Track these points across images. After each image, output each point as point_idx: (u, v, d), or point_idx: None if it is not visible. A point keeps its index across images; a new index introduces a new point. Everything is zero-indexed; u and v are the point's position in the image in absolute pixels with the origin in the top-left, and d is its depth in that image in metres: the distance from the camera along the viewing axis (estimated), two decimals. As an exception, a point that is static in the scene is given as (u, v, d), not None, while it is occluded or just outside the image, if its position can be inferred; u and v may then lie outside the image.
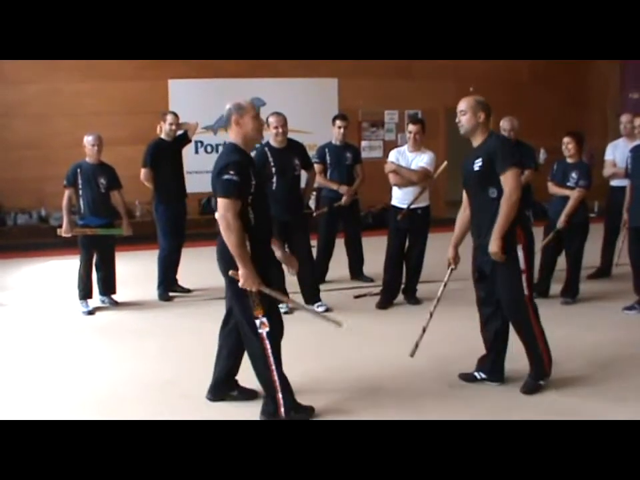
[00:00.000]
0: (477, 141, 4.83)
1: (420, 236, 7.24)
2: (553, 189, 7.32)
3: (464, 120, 4.77)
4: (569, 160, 7.18)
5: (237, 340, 4.67)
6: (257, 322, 4.34)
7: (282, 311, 6.79)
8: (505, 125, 7.69)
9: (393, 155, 7.22)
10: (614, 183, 8.18)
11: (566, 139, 7.18)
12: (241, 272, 4.23)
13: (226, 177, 4.22)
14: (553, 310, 6.95)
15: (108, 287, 7.50)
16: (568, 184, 7.12)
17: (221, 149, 12.85)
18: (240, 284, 4.25)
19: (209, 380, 4.99)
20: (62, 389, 5.15)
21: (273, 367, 4.38)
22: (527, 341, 4.86)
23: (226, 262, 4.35)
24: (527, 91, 13.81)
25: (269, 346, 4.37)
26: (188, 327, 6.73)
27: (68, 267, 8.69)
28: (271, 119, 6.94)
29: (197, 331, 6.51)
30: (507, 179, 4.60)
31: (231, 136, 4.49)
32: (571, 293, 7.22)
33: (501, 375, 5.04)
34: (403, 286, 7.39)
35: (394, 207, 7.24)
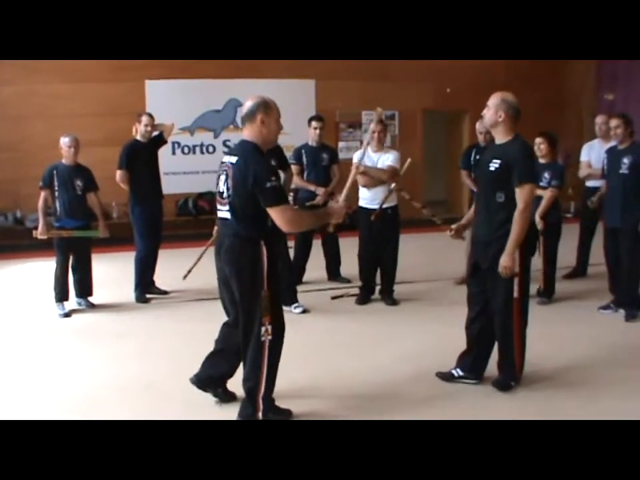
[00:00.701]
0: (498, 139, 4.90)
1: (392, 236, 7.30)
2: None
3: (487, 115, 4.90)
4: (542, 160, 7.23)
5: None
6: (262, 329, 4.28)
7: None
8: (480, 127, 7.73)
9: (357, 157, 7.23)
10: (589, 183, 8.24)
11: (538, 140, 7.24)
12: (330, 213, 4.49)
13: (269, 184, 4.13)
14: (530, 309, 7.01)
15: (84, 289, 7.46)
16: (541, 184, 7.17)
17: (198, 150, 12.98)
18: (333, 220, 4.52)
19: (188, 382, 4.97)
20: (38, 393, 5.11)
21: (264, 375, 4.33)
22: (503, 342, 4.89)
23: (240, 266, 4.28)
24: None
25: (266, 354, 4.32)
26: (166, 328, 6.71)
27: (44, 269, 8.63)
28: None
29: (175, 333, 6.50)
30: (524, 193, 4.64)
31: (249, 132, 4.36)
32: (547, 293, 7.27)
33: (481, 374, 5.06)
34: (379, 287, 7.47)
35: (362, 208, 7.28)
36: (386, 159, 7.14)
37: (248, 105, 4.40)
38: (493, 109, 4.84)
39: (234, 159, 4.28)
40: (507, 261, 4.62)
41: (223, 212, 4.35)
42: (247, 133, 4.37)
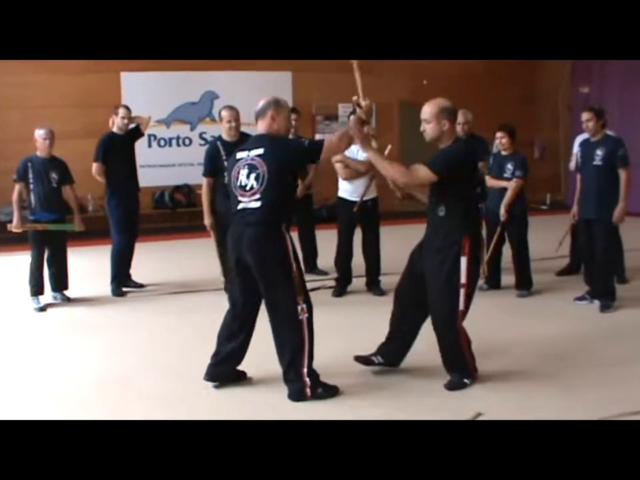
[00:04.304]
0: (443, 145, 4.76)
1: (373, 227, 7.33)
2: (491, 181, 7.42)
3: (428, 129, 4.68)
4: (504, 153, 7.30)
5: (250, 329, 4.81)
6: (299, 308, 4.51)
7: None
8: (458, 118, 7.74)
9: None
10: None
11: (499, 134, 7.30)
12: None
13: (305, 143, 4.80)
14: (506, 300, 7.07)
15: (60, 283, 7.41)
16: (504, 175, 7.22)
17: (174, 142, 12.94)
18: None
19: (166, 376, 4.98)
20: (12, 387, 5.06)
21: (306, 352, 4.56)
22: (450, 352, 4.80)
23: (268, 253, 4.50)
24: (482, 85, 13.94)
25: (306, 332, 4.55)
26: (142, 321, 6.68)
27: (19, 263, 8.56)
28: (224, 113, 6.95)
29: (152, 326, 6.49)
30: (418, 167, 4.63)
31: (262, 127, 4.69)
32: (524, 285, 7.29)
33: (400, 362, 5.12)
34: (365, 279, 7.51)
35: (342, 199, 7.29)
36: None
37: (260, 103, 4.71)
38: (434, 121, 4.63)
39: (260, 151, 4.56)
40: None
41: (248, 203, 4.55)
42: (261, 128, 4.71)
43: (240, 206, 4.60)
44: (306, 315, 4.54)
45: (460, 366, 4.82)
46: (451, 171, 4.58)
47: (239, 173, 4.62)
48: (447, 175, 4.55)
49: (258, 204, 4.50)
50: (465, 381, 4.83)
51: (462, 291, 4.62)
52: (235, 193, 4.64)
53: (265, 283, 4.56)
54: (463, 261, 4.59)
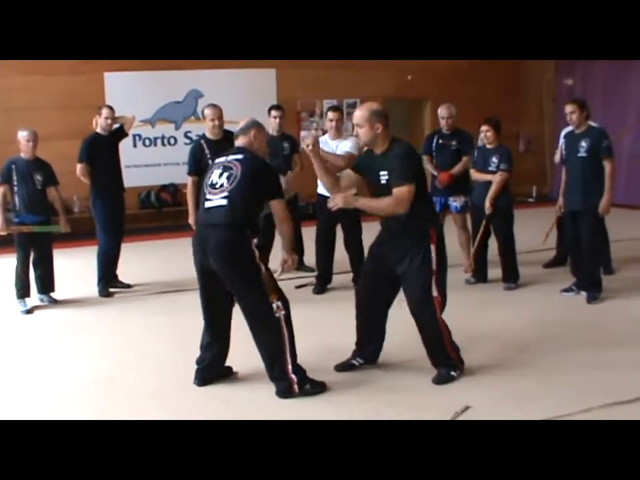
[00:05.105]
0: (378, 149, 4.79)
1: (354, 222, 7.28)
2: (476, 175, 7.44)
3: (361, 133, 4.73)
4: (489, 146, 7.31)
5: (224, 334, 4.89)
6: (274, 306, 4.53)
7: None
8: (442, 112, 7.78)
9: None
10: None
11: (484, 127, 7.30)
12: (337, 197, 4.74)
13: (279, 182, 4.81)
14: (493, 294, 7.09)
15: (46, 285, 7.38)
16: (489, 169, 7.23)
17: (159, 142, 12.89)
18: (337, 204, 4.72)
19: (154, 375, 4.97)
20: (2, 390, 5.05)
21: (287, 349, 4.58)
22: (432, 341, 4.85)
23: (234, 256, 4.53)
24: (466, 79, 13.93)
25: (285, 328, 4.57)
26: (130, 322, 6.67)
27: (4, 265, 8.52)
28: (207, 111, 6.96)
29: (139, 327, 6.48)
30: (399, 192, 4.59)
31: (243, 142, 4.84)
32: (512, 278, 7.30)
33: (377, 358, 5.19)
34: (351, 275, 7.51)
35: (322, 196, 7.26)
36: (344, 146, 7.11)
37: (243, 122, 4.94)
38: (367, 125, 4.69)
39: (240, 156, 4.71)
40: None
41: (215, 200, 4.61)
42: (240, 143, 4.86)
43: (207, 204, 4.66)
44: (282, 312, 4.56)
45: (444, 356, 4.85)
46: (417, 174, 4.73)
47: (212, 173, 4.74)
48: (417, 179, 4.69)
49: (225, 202, 4.55)
50: (453, 373, 4.86)
51: (433, 278, 4.74)
52: (205, 192, 4.72)
53: (235, 288, 4.60)
54: (432, 250, 4.73)
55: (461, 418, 4.22)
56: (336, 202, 4.74)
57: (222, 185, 4.60)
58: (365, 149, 6.73)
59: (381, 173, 4.72)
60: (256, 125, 4.88)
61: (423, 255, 4.71)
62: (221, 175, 4.65)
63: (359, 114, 4.74)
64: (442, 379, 4.83)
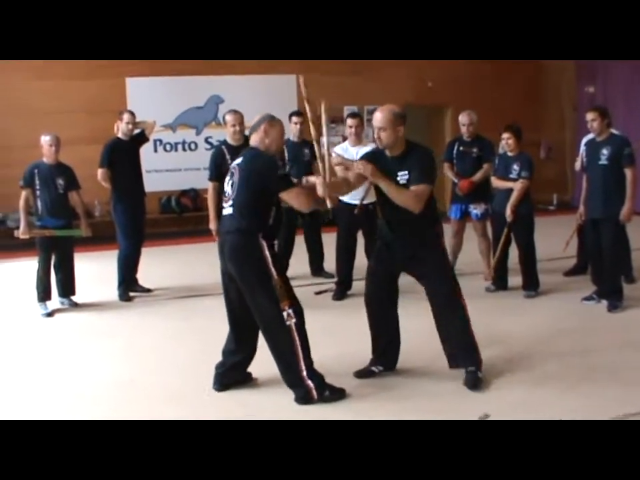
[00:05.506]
0: (394, 152, 4.81)
1: (374, 229, 7.25)
2: (497, 182, 7.41)
3: (384, 136, 4.73)
4: (510, 153, 7.28)
5: (250, 342, 4.87)
6: (285, 314, 4.50)
7: None
8: (463, 119, 7.78)
9: (337, 151, 7.24)
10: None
11: (505, 135, 7.26)
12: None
13: (281, 172, 4.71)
14: (513, 301, 7.06)
15: (67, 289, 7.43)
16: (510, 176, 7.20)
17: (180, 147, 12.95)
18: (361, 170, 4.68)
19: (173, 379, 4.99)
20: (23, 391, 5.08)
21: (301, 357, 4.55)
22: (456, 328, 4.89)
23: (245, 261, 4.56)
24: (486, 86, 13.92)
25: (297, 337, 4.53)
26: (150, 326, 6.69)
27: (26, 268, 8.59)
28: (228, 117, 6.98)
29: (159, 331, 6.49)
30: (420, 189, 4.67)
31: (254, 140, 4.77)
32: (532, 286, 7.26)
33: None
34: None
35: (342, 203, 7.25)
36: (364, 152, 7.10)
37: (256, 118, 4.81)
38: (390, 128, 4.70)
39: (240, 160, 4.71)
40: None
41: (226, 209, 4.67)
42: (253, 142, 4.78)
43: (223, 212, 4.74)
44: (294, 319, 4.51)
45: (473, 349, 4.89)
46: (435, 179, 4.83)
47: (226, 181, 4.79)
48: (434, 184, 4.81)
49: (231, 210, 4.62)
50: (480, 375, 4.89)
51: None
52: (222, 199, 4.83)
53: (247, 292, 4.61)
54: (441, 244, 4.98)
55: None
56: (361, 167, 4.72)
57: (229, 194, 4.67)
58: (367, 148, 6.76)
59: (400, 173, 4.74)
60: (267, 119, 4.76)
61: (441, 252, 4.92)
62: (228, 182, 4.72)
63: (382, 116, 4.72)
64: (473, 383, 4.82)
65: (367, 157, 5.01)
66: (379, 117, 4.74)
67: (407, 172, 4.72)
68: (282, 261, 7.50)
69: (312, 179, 7.03)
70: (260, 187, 4.56)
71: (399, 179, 4.74)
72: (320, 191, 4.63)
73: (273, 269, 4.53)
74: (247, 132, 6.96)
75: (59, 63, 11.34)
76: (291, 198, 4.62)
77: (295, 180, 7.69)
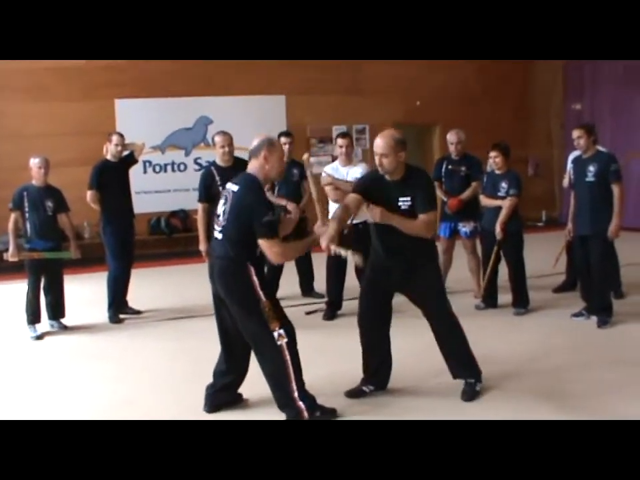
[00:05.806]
0: (394, 176, 4.82)
1: (365, 251, 7.25)
2: (485, 200, 7.44)
3: (386, 162, 4.72)
4: (498, 171, 7.32)
5: (241, 365, 4.89)
6: (275, 334, 4.49)
7: None
8: (451, 138, 7.81)
9: (327, 171, 7.26)
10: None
11: (493, 153, 7.32)
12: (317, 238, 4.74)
13: (265, 219, 4.44)
14: (503, 319, 7.07)
15: (57, 311, 7.41)
16: (499, 194, 7.24)
17: (169, 168, 12.94)
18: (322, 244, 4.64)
19: (166, 399, 4.96)
20: (14, 415, 5.02)
21: (292, 379, 4.54)
22: (458, 344, 4.98)
23: (233, 287, 4.56)
24: (474, 104, 13.99)
25: (288, 357, 4.51)
26: (140, 348, 6.67)
27: (15, 291, 8.56)
28: (217, 138, 6.98)
29: (150, 352, 6.47)
30: (430, 218, 4.75)
31: (253, 166, 4.67)
32: (522, 303, 7.29)
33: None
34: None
35: None
36: (355, 172, 7.11)
37: (255, 142, 4.70)
38: (392, 155, 4.70)
39: (235, 188, 4.60)
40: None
41: (217, 232, 4.65)
42: (251, 167, 4.68)
43: (214, 234, 4.72)
44: (285, 339, 4.50)
45: (470, 361, 4.98)
46: (436, 200, 5.01)
47: (219, 203, 4.74)
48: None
49: (220, 236, 4.61)
50: (477, 388, 4.98)
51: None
52: (214, 221, 4.78)
53: (236, 315, 4.61)
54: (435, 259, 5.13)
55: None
56: (374, 214, 4.73)
57: (220, 217, 4.63)
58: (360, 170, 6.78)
59: (402, 199, 4.76)
60: (267, 145, 4.64)
61: (436, 271, 5.06)
62: (222, 205, 4.66)
63: (383, 143, 4.72)
64: (470, 395, 4.92)
65: (365, 182, 5.03)
66: (380, 144, 4.73)
67: (409, 198, 4.75)
68: (271, 283, 7.55)
69: (291, 210, 6.99)
70: (248, 223, 4.49)
71: (400, 204, 4.76)
72: (323, 243, 4.64)
73: (260, 293, 4.51)
74: (236, 153, 7.05)
75: (48, 85, 11.37)
76: (265, 248, 4.49)
77: (283, 201, 7.76)
